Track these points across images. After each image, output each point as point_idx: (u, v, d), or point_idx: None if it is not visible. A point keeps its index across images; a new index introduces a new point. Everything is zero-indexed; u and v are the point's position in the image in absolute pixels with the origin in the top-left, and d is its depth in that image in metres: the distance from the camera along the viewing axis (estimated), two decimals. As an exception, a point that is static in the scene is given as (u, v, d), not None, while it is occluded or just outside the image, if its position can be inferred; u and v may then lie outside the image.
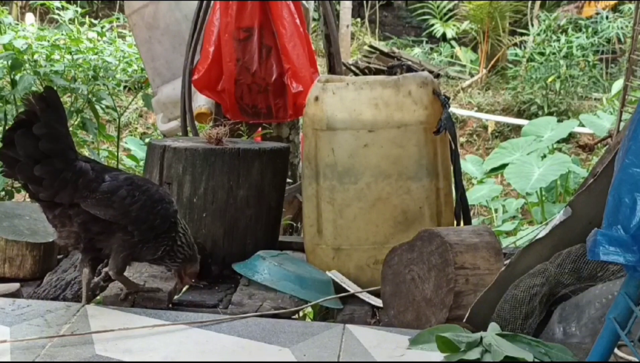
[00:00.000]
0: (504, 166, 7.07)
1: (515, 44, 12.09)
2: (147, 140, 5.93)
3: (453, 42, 13.25)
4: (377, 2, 14.06)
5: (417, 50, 12.88)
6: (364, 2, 13.93)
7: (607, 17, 11.51)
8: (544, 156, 7.09)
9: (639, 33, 4.28)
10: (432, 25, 13.57)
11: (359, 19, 13.76)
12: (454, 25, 13.37)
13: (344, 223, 3.18)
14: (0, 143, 2.53)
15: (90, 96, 5.56)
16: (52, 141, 2.50)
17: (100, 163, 2.89)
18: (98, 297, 2.83)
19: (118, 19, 6.89)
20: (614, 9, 11.90)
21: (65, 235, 2.66)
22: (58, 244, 2.74)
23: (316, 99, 3.21)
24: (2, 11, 6.32)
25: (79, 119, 5.54)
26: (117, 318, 2.59)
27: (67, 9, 6.32)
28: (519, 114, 10.50)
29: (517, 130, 9.73)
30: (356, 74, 9.64)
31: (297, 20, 4.20)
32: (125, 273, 2.78)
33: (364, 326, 2.73)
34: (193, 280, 2.95)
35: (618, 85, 8.48)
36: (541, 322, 2.54)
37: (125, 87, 6.61)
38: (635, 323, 1.87)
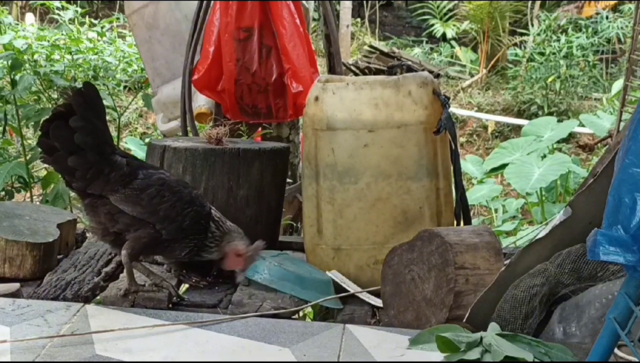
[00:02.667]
0: (504, 166, 7.07)
1: (515, 44, 12.08)
2: (147, 140, 5.93)
3: (453, 42, 13.25)
4: (377, 2, 14.05)
5: (417, 50, 12.87)
6: (364, 2, 13.93)
7: (607, 17, 11.50)
8: (544, 156, 7.08)
9: (639, 33, 4.28)
10: (432, 25, 13.56)
11: (359, 19, 13.76)
12: (454, 25, 13.36)
13: (344, 223, 3.18)
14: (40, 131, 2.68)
15: (90, 96, 5.55)
16: (87, 134, 2.61)
17: (140, 159, 2.94)
18: (98, 297, 2.83)
19: (118, 19, 6.89)
20: (614, 9, 11.90)
21: (95, 225, 2.75)
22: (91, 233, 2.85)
23: (316, 99, 3.21)
24: (2, 11, 6.33)
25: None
26: (117, 318, 2.59)
27: (67, 9, 6.32)
28: (519, 114, 10.50)
29: (517, 130, 9.73)
30: (356, 74, 9.64)
31: (297, 20, 4.20)
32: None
33: (364, 326, 2.73)
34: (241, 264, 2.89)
35: (618, 85, 8.47)
36: (541, 322, 2.54)
37: (125, 87, 6.61)
38: (635, 323, 1.87)
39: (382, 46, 12.53)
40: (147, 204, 2.68)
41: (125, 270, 2.81)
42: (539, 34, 11.33)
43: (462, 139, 10.09)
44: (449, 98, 3.29)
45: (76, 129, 2.59)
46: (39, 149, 2.72)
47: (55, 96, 5.47)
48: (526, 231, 5.57)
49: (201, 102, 4.53)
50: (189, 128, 4.49)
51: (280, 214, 3.56)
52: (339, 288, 3.09)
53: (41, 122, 2.72)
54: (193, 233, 2.77)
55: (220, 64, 4.24)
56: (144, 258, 3.10)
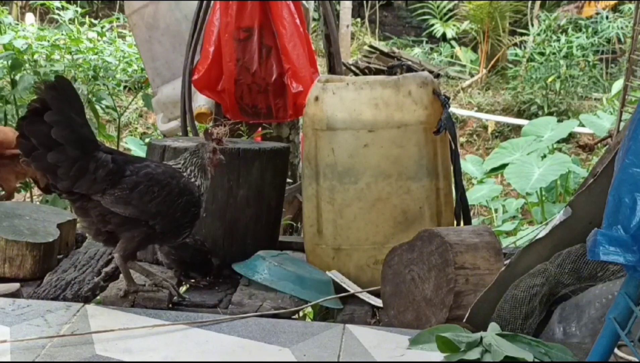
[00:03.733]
0: (504, 166, 7.07)
1: (515, 44, 12.08)
2: (147, 140, 5.93)
3: (453, 42, 13.25)
4: (377, 2, 14.05)
5: (417, 50, 12.87)
6: (364, 2, 13.93)
7: (607, 17, 11.50)
8: (544, 156, 7.09)
9: (639, 33, 4.28)
10: (432, 25, 13.56)
11: (359, 19, 13.76)
12: (454, 25, 13.36)
13: (344, 223, 3.18)
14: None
15: (90, 96, 5.56)
16: (65, 128, 2.52)
17: (125, 153, 2.90)
18: (98, 297, 2.83)
19: (118, 19, 6.90)
20: (614, 9, 11.89)
21: (87, 225, 2.71)
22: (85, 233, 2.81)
23: (316, 99, 3.21)
24: (2, 11, 6.34)
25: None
26: (117, 318, 2.59)
27: (67, 9, 6.33)
28: (519, 114, 10.50)
29: (517, 130, 9.73)
30: (356, 74, 9.63)
31: (297, 20, 4.20)
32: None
33: (364, 326, 2.73)
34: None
35: (618, 85, 8.47)
36: (541, 322, 2.54)
37: (125, 87, 6.62)
38: (635, 323, 1.87)
39: (382, 46, 12.53)
40: (138, 204, 2.64)
41: (121, 272, 2.80)
42: (539, 34, 11.33)
43: (462, 139, 10.09)
44: (449, 98, 3.29)
45: (52, 123, 2.49)
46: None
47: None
48: (526, 231, 5.57)
49: (201, 102, 4.53)
50: (189, 128, 4.49)
51: (280, 214, 3.56)
52: (339, 288, 3.09)
53: (17, 121, 2.64)
54: (186, 221, 2.74)
55: (220, 64, 4.24)
56: (142, 258, 3.09)
